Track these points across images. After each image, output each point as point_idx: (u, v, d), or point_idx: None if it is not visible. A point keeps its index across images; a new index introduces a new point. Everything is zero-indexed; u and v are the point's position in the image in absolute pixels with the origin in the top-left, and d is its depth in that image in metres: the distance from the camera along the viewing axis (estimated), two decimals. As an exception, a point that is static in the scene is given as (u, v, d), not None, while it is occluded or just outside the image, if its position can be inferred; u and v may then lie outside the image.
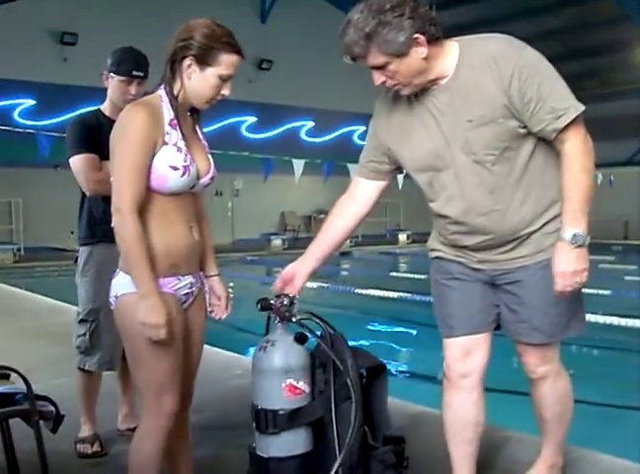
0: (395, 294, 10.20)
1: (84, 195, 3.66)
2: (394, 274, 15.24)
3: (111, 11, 19.84)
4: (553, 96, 2.41)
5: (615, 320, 7.77)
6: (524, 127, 2.47)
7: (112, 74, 3.60)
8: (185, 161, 2.44)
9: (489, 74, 2.43)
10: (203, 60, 2.42)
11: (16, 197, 18.36)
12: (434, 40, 2.44)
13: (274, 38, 22.81)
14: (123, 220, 2.36)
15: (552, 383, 2.81)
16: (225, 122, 20.36)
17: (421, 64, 2.43)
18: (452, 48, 2.51)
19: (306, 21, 23.71)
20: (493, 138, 2.48)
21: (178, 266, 2.50)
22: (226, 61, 2.44)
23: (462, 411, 2.81)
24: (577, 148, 2.44)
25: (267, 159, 16.00)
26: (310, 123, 24.62)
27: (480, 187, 2.54)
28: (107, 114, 3.67)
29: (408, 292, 10.18)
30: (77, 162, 3.57)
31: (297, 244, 20.84)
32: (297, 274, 2.86)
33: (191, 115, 2.61)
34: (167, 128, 2.44)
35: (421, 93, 2.56)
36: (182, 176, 2.44)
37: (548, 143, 2.52)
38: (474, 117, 2.46)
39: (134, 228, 2.35)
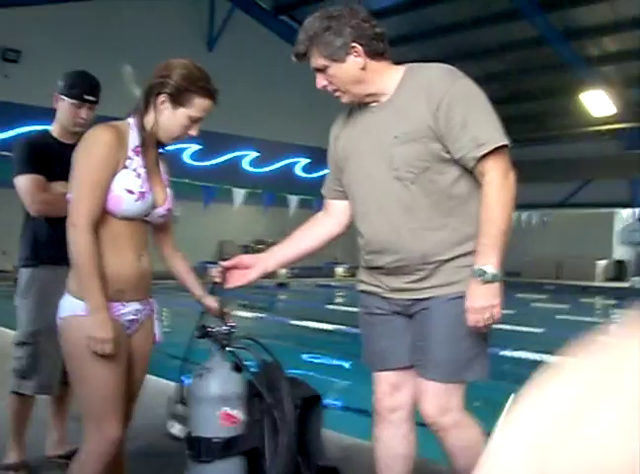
0: (331, 327, 10.22)
1: (27, 215, 3.62)
2: (330, 306, 15.25)
3: (56, 31, 19.63)
4: (478, 125, 2.47)
5: (546, 357, 7.89)
6: (448, 152, 2.52)
7: (62, 96, 3.58)
8: (142, 187, 2.49)
9: (422, 96, 2.52)
10: (177, 100, 2.51)
11: (-53, 215, 17.90)
12: (375, 55, 2.58)
13: (220, 66, 22.61)
14: (78, 235, 2.36)
15: (455, 435, 2.66)
16: (168, 148, 20.21)
17: (358, 74, 2.57)
18: (398, 71, 2.65)
19: (253, 51, 23.82)
20: (415, 157, 2.53)
21: (123, 291, 2.51)
22: (199, 104, 2.54)
23: (392, 445, 2.81)
24: (494, 182, 2.46)
25: (207, 187, 15.97)
26: (253, 153, 24.63)
27: (396, 203, 2.58)
28: (55, 135, 3.66)
29: (343, 325, 10.21)
30: (23, 182, 3.53)
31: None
32: (255, 265, 2.87)
33: (156, 148, 2.65)
34: (130, 154, 2.49)
35: (363, 109, 2.70)
36: (136, 200, 2.47)
37: (470, 181, 2.55)
38: (400, 133, 2.55)
39: (88, 244, 2.36)
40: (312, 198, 17.05)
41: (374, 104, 2.66)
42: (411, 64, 2.69)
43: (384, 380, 2.79)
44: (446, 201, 2.56)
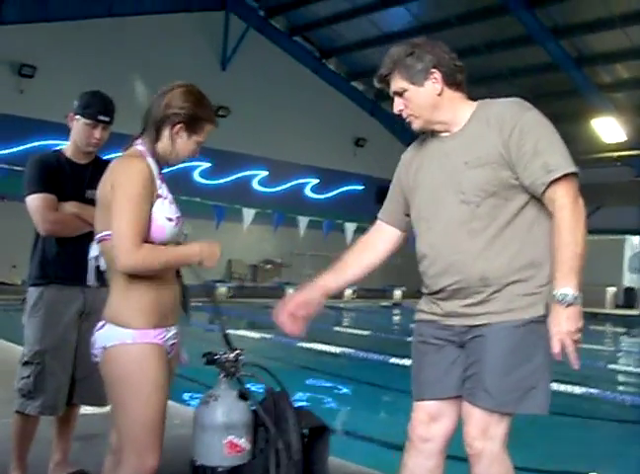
0: (338, 349, 10.17)
1: (37, 234, 3.61)
2: (338, 328, 15.20)
3: (72, 48, 19.78)
4: (548, 153, 2.55)
5: (558, 386, 7.84)
6: (517, 179, 2.59)
7: (77, 116, 3.58)
8: (176, 212, 2.58)
9: (494, 125, 2.63)
10: (192, 129, 2.62)
11: (-42, 228, 17.96)
12: (452, 84, 2.73)
13: (233, 85, 22.93)
14: (139, 259, 2.42)
15: (487, 467, 2.63)
16: (179, 166, 20.29)
17: (434, 99, 2.71)
18: (471, 105, 2.78)
19: (266, 71, 23.93)
20: (483, 181, 2.61)
21: (167, 317, 2.55)
22: (206, 130, 2.67)
23: (417, 473, 2.79)
24: (566, 207, 2.51)
25: (218, 206, 15.99)
26: (263, 173, 24.68)
27: (461, 225, 2.64)
28: (68, 155, 3.66)
29: (351, 348, 10.16)
30: (34, 201, 3.53)
31: (243, 293, 20.76)
32: (309, 304, 3.04)
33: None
34: (158, 182, 2.54)
35: (434, 138, 2.81)
36: (175, 226, 2.54)
37: (543, 205, 2.60)
38: (470, 158, 2.64)
39: (148, 254, 2.43)
40: (321, 220, 17.08)
41: (445, 134, 2.77)
42: (484, 100, 2.81)
43: (423, 409, 2.80)
44: (511, 227, 2.62)
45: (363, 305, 21.52)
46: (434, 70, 2.69)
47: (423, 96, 2.71)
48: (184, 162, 2.74)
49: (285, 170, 24.86)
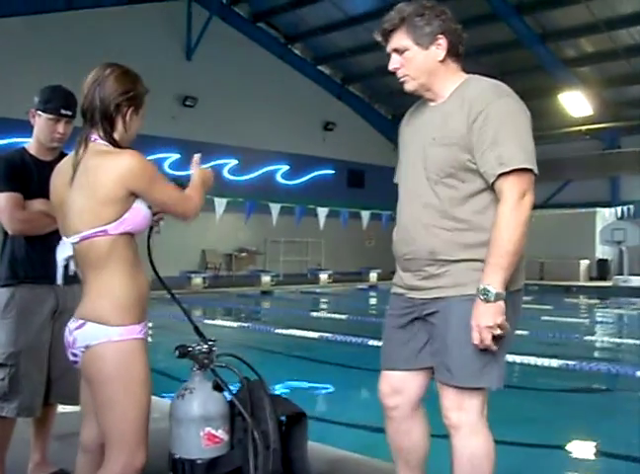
0: (316, 334, 10.19)
1: (6, 235, 3.56)
2: (315, 313, 15.23)
3: (31, 42, 19.53)
4: (506, 144, 2.55)
5: (532, 360, 7.91)
6: (475, 163, 2.61)
7: (39, 112, 3.53)
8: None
9: (466, 106, 2.63)
10: (138, 106, 2.60)
11: None
12: (453, 55, 2.75)
13: (198, 75, 22.82)
14: (197, 203, 2.77)
15: (466, 438, 2.67)
16: (148, 158, 20.09)
17: (434, 65, 2.72)
18: (459, 78, 2.78)
19: (231, 59, 23.81)
20: (443, 161, 2.65)
21: (146, 310, 2.54)
22: (144, 102, 2.63)
23: (396, 439, 2.90)
24: (508, 203, 2.54)
25: (189, 197, 15.89)
26: (233, 161, 24.59)
27: (419, 198, 2.72)
28: (32, 152, 3.60)
29: (329, 332, 10.19)
30: (1, 200, 3.48)
31: (218, 282, 20.72)
32: None
33: None
34: None
35: (422, 106, 2.86)
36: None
37: (494, 193, 2.63)
38: (438, 136, 2.68)
39: (197, 195, 2.79)
40: (293, 206, 17.06)
41: (432, 103, 2.80)
42: (473, 76, 2.81)
43: (386, 380, 2.89)
44: (464, 208, 2.65)
45: (340, 289, 21.59)
46: (440, 36, 2.69)
47: (424, 59, 2.70)
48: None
49: (256, 157, 24.79)
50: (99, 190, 2.45)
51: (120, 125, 2.55)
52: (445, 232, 2.65)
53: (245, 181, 24.62)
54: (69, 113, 3.52)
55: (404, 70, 2.74)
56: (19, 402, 3.49)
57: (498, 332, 2.51)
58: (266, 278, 21.68)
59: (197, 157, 2.88)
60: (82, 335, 2.47)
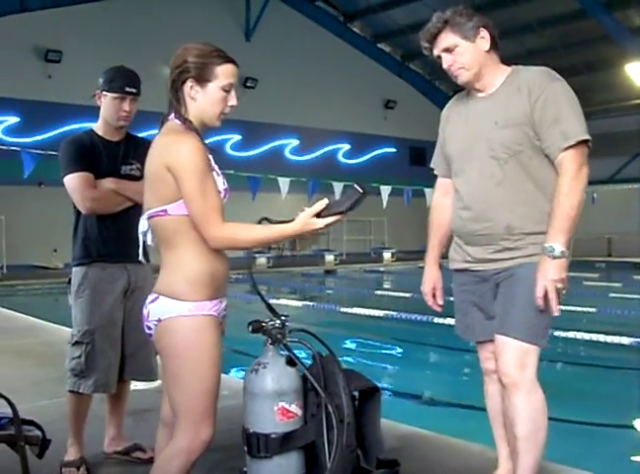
0: (381, 313, 10.18)
1: (78, 214, 3.62)
2: (379, 292, 15.21)
3: (95, 29, 19.87)
4: (568, 121, 2.82)
5: (601, 337, 7.78)
6: (539, 140, 2.87)
7: (104, 92, 3.58)
8: (224, 184, 2.55)
9: (524, 90, 2.89)
10: (202, 78, 2.50)
11: (-1, 215, 18.23)
12: (494, 46, 2.97)
13: (258, 56, 22.86)
14: (227, 235, 2.42)
15: (526, 394, 2.85)
16: (210, 140, 20.27)
17: (483, 56, 2.95)
18: (505, 69, 3.02)
19: (291, 39, 23.82)
20: (511, 140, 2.89)
21: (220, 288, 2.55)
22: (223, 72, 2.52)
23: (498, 400, 3.07)
24: (569, 172, 2.80)
25: (253, 177, 15.99)
26: (295, 142, 24.65)
27: (490, 178, 2.94)
28: (100, 133, 3.67)
29: (394, 311, 10.18)
30: (72, 180, 3.55)
31: (282, 262, 20.85)
32: (437, 286, 3.27)
33: None
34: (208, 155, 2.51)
35: (470, 98, 3.09)
36: (223, 198, 2.52)
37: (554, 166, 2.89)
38: (500, 119, 2.92)
39: (240, 231, 2.44)
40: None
41: (481, 94, 3.03)
42: (516, 66, 3.04)
43: (484, 348, 3.14)
44: (532, 182, 2.91)
45: (403, 268, 21.50)
46: (482, 29, 2.93)
47: (474, 51, 2.93)
48: (223, 116, 2.60)
49: (317, 137, 24.81)
50: (154, 169, 2.48)
51: (187, 101, 2.52)
52: (521, 207, 2.90)
53: (307, 160, 24.68)
54: (133, 90, 3.57)
55: (458, 64, 2.96)
56: (95, 379, 3.57)
57: (560, 286, 2.76)
58: (329, 258, 21.72)
59: (317, 208, 2.42)
60: (155, 308, 2.50)
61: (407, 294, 13.24)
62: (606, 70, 24.37)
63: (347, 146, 25.95)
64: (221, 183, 2.53)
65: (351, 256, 23.37)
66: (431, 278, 3.29)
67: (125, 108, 3.58)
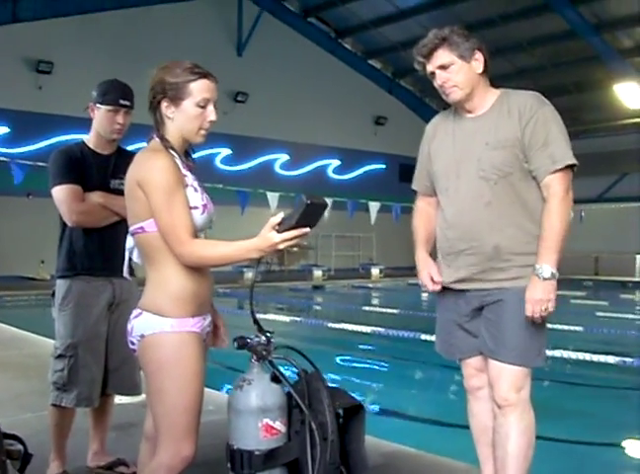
0: (368, 329, 10.17)
1: (64, 226, 3.62)
2: (367, 308, 15.20)
3: (86, 41, 19.87)
4: (556, 145, 2.91)
5: (587, 356, 7.79)
6: (527, 162, 2.94)
7: (98, 105, 3.58)
8: (202, 200, 2.53)
9: (515, 113, 2.96)
10: (176, 97, 2.51)
11: (-14, 226, 18.15)
12: (486, 69, 3.02)
13: (249, 70, 22.93)
14: (193, 252, 2.41)
15: (520, 414, 2.97)
16: (200, 154, 20.28)
17: (476, 77, 3.00)
18: (495, 93, 3.07)
19: (282, 54, 23.88)
20: (501, 162, 2.95)
21: (204, 305, 2.57)
22: (197, 89, 2.52)
23: (483, 419, 3.19)
24: (558, 195, 2.89)
25: (242, 192, 15.99)
26: (285, 157, 24.67)
27: (479, 198, 2.98)
28: (91, 146, 3.66)
29: (381, 327, 10.17)
30: (60, 192, 3.54)
31: (270, 277, 20.80)
32: (432, 270, 3.19)
33: (187, 158, 2.65)
34: (183, 171, 2.52)
35: (458, 117, 3.11)
36: (202, 214, 2.51)
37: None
38: (491, 141, 2.97)
39: (205, 249, 2.42)
40: (345, 200, 17.05)
41: (470, 115, 3.07)
42: (505, 90, 3.09)
43: (467, 365, 3.21)
44: (520, 203, 2.97)
45: (391, 284, 21.51)
46: (477, 51, 2.99)
47: (468, 71, 2.98)
48: (203, 132, 2.58)
49: (307, 152, 24.85)
50: (129, 187, 2.50)
51: (165, 121, 2.54)
52: (509, 228, 2.96)
53: (296, 176, 24.69)
54: (127, 103, 3.57)
55: (452, 82, 2.99)
56: (77, 392, 3.55)
57: (550, 307, 2.86)
58: (317, 273, 21.69)
59: (273, 221, 2.38)
60: (138, 324, 2.51)
61: (395, 311, 13.25)
62: (596, 90, 24.55)
63: (337, 162, 25.99)
64: (199, 199, 2.52)
65: (339, 271, 23.36)
66: (424, 266, 3.23)
67: (119, 120, 3.59)
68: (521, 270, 2.95)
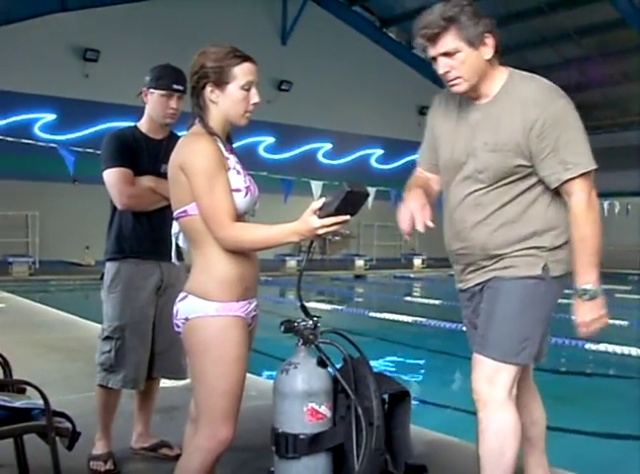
0: (410, 319, 10.14)
1: (114, 209, 3.66)
2: (408, 298, 15.15)
3: (133, 29, 20.03)
4: (568, 149, 2.62)
5: (633, 350, 7.69)
6: (529, 167, 2.67)
7: (151, 90, 3.61)
8: (245, 182, 2.54)
9: (518, 110, 2.64)
10: (220, 81, 2.52)
11: (33, 211, 18.41)
12: (497, 51, 2.67)
13: (293, 59, 22.92)
14: (232, 236, 2.43)
15: (493, 413, 2.71)
16: (243, 142, 20.48)
17: (484, 65, 2.65)
18: (502, 74, 2.74)
19: (326, 43, 23.81)
20: (496, 166, 2.69)
21: (249, 289, 2.58)
22: (241, 72, 2.53)
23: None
24: (582, 203, 2.64)
25: (286, 180, 16.01)
26: (328, 145, 24.65)
27: (471, 198, 2.78)
28: (143, 130, 3.70)
29: (422, 317, 10.13)
30: (111, 175, 3.58)
31: (312, 266, 20.83)
32: (423, 203, 2.81)
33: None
34: (225, 154, 2.53)
35: (463, 103, 2.81)
36: (245, 197, 2.52)
37: (542, 185, 2.72)
38: (490, 141, 2.69)
39: (245, 232, 2.44)
40: (388, 190, 16.99)
41: (476, 102, 2.77)
42: (514, 71, 2.77)
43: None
44: (514, 204, 2.74)
45: (433, 274, 21.40)
46: (488, 35, 2.62)
47: (476, 60, 2.63)
48: (248, 114, 2.58)
49: (350, 141, 24.78)
50: (172, 171, 2.53)
51: (209, 105, 2.55)
52: (497, 230, 2.75)
53: (340, 164, 24.66)
54: (181, 87, 3.59)
55: (456, 72, 2.65)
56: (124, 374, 3.59)
57: (603, 322, 2.70)
58: (359, 262, 21.68)
59: (315, 206, 2.38)
60: (183, 307, 2.53)
61: (436, 301, 13.18)
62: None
63: (380, 151, 25.90)
64: (241, 181, 2.53)
65: (381, 261, 23.29)
66: (409, 199, 2.86)
67: (173, 105, 3.61)
68: (514, 261, 2.74)
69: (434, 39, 2.61)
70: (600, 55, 23.87)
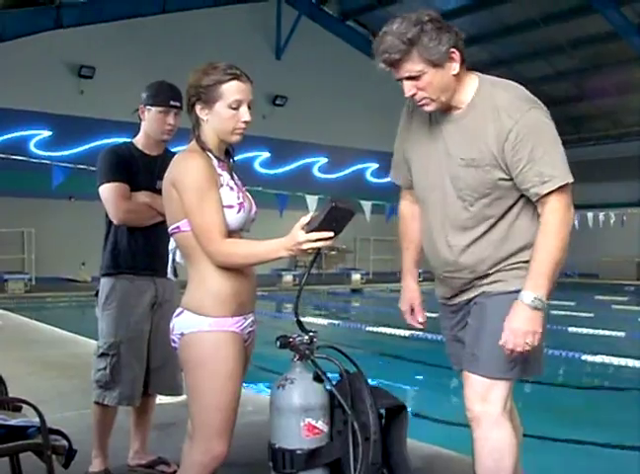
0: (406, 333, 10.12)
1: (110, 224, 3.66)
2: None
3: (128, 47, 20.08)
4: (544, 160, 2.49)
5: (629, 362, 7.69)
6: (510, 180, 2.57)
7: (148, 106, 3.62)
8: (238, 198, 2.55)
9: (490, 121, 2.54)
10: (208, 100, 2.54)
11: (29, 227, 18.40)
12: (463, 62, 2.55)
13: (288, 74, 23.00)
14: (221, 251, 2.44)
15: (487, 431, 2.64)
16: (239, 157, 20.31)
17: (451, 81, 2.54)
18: (472, 82, 2.63)
19: (321, 58, 23.89)
20: (477, 183, 2.60)
21: (245, 304, 2.58)
22: (227, 91, 2.53)
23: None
24: (555, 216, 2.52)
25: (281, 195, 16.03)
26: (323, 160, 24.69)
27: (454, 219, 2.68)
28: (139, 147, 3.70)
29: (419, 331, 10.09)
30: (107, 190, 3.58)
31: (308, 280, 20.82)
32: (414, 302, 3.06)
33: (225, 157, 2.68)
34: (219, 170, 2.55)
35: (435, 116, 2.68)
36: (238, 212, 2.53)
37: (524, 198, 2.62)
38: (466, 157, 2.59)
39: (234, 248, 2.45)
40: (384, 204, 17.00)
41: (447, 114, 2.65)
42: (484, 77, 2.66)
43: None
44: (500, 222, 2.65)
45: (430, 288, 21.31)
46: (453, 50, 2.49)
47: (442, 78, 2.51)
48: (238, 132, 2.58)
49: (345, 156, 24.84)
50: (165, 187, 2.56)
51: (201, 123, 2.58)
52: (484, 250, 2.67)
53: (335, 179, 24.70)
54: (177, 103, 3.61)
55: (423, 93, 2.55)
56: (120, 391, 3.58)
57: (533, 341, 2.51)
58: (356, 277, 21.66)
59: (303, 220, 2.36)
60: (179, 322, 2.55)
61: (433, 315, 13.15)
62: (638, 92, 24.16)
63: (375, 165, 25.94)
64: (234, 197, 2.54)
65: (377, 275, 23.27)
66: (406, 295, 3.08)
67: (170, 121, 3.62)
68: (504, 274, 2.66)
69: (395, 64, 2.51)
70: (593, 68, 23.95)
